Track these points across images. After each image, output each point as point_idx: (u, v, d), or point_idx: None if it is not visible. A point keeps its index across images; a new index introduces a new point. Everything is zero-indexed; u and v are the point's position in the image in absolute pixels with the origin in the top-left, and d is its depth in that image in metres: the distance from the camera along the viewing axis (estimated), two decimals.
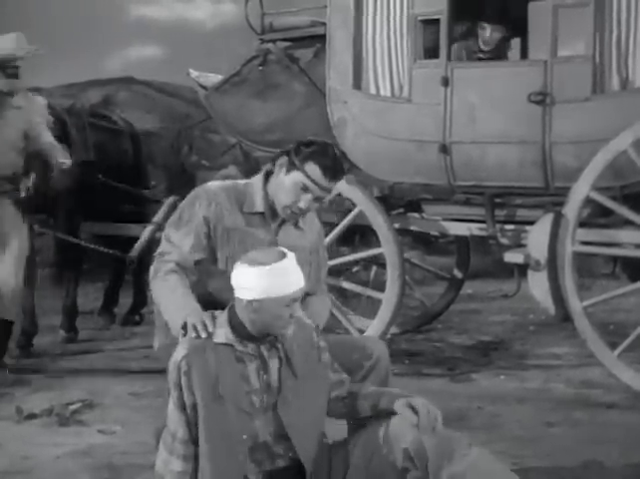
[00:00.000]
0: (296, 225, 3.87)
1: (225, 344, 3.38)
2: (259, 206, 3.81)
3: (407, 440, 3.27)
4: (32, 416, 5.52)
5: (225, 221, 3.78)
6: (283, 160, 3.76)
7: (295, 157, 3.72)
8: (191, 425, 3.33)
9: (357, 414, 3.56)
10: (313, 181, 3.71)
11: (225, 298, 3.61)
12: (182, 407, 3.32)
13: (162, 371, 3.46)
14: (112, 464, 4.71)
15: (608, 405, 5.75)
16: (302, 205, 3.76)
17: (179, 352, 3.34)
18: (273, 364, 3.43)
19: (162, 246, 3.85)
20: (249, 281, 3.32)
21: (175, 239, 3.80)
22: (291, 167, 3.73)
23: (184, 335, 3.44)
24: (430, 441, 3.25)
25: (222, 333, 3.39)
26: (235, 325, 3.40)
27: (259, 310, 3.33)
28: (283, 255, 3.36)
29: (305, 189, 3.72)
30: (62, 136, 7.24)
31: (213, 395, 3.30)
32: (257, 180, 3.87)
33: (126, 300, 8.47)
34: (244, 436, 3.34)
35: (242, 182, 3.94)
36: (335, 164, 3.74)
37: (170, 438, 3.37)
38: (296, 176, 3.72)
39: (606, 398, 5.85)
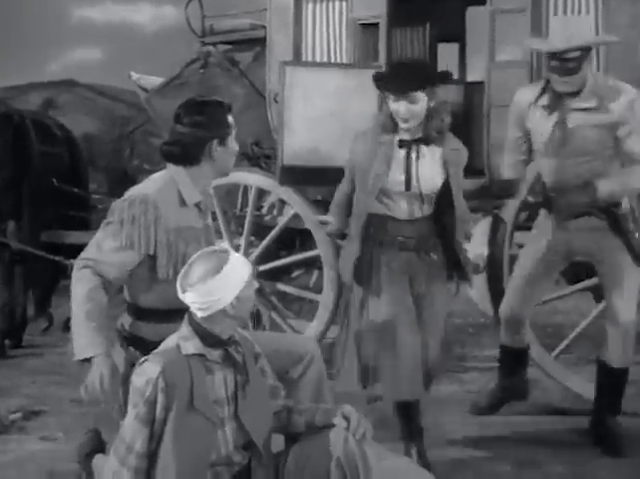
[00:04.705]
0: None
1: (195, 355, 3.37)
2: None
3: (339, 450, 3.35)
4: None
5: (168, 222, 3.79)
6: None
7: None
8: (153, 440, 3.31)
9: (291, 429, 3.60)
10: None
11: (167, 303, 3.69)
12: (150, 422, 3.29)
13: None
14: (54, 471, 4.67)
15: (547, 406, 5.80)
16: None
17: (153, 369, 3.30)
18: (239, 368, 3.45)
19: (92, 253, 3.80)
20: (214, 294, 3.34)
21: (107, 248, 3.77)
22: None
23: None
24: (360, 451, 3.35)
25: (191, 345, 3.38)
26: (203, 335, 3.39)
27: (237, 306, 3.37)
28: (225, 254, 3.42)
29: None
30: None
31: (188, 408, 3.29)
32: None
33: (64, 306, 8.36)
34: (213, 456, 3.36)
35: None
36: None
37: (125, 450, 3.33)
38: None
39: (545, 400, 5.90)
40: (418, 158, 4.38)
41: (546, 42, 4.72)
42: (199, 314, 3.38)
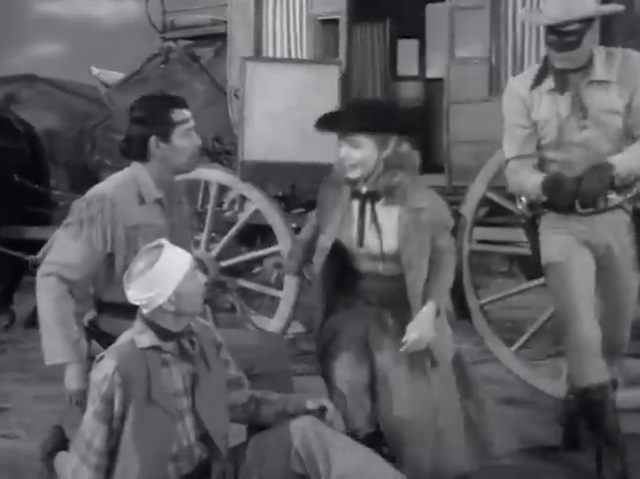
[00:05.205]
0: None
1: (150, 348, 3.37)
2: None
3: (298, 441, 3.38)
4: None
5: (126, 220, 3.80)
6: None
7: None
8: (112, 437, 3.30)
9: (259, 420, 3.62)
10: None
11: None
12: (108, 419, 3.28)
13: None
14: (16, 469, 4.65)
15: (506, 400, 5.84)
16: None
17: (108, 365, 3.29)
18: (195, 360, 3.44)
19: (55, 256, 3.84)
20: (150, 290, 3.34)
21: (69, 251, 3.80)
22: None
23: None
24: (319, 443, 3.38)
25: (146, 338, 3.38)
26: (155, 328, 3.39)
27: (176, 302, 3.35)
28: (160, 248, 3.40)
29: None
30: None
31: (146, 401, 3.28)
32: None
33: (27, 302, 8.30)
34: (174, 448, 3.35)
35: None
36: None
37: (85, 447, 3.32)
38: None
39: (504, 394, 5.93)
40: (372, 213, 3.88)
41: (543, 13, 4.17)
42: (144, 311, 3.40)
